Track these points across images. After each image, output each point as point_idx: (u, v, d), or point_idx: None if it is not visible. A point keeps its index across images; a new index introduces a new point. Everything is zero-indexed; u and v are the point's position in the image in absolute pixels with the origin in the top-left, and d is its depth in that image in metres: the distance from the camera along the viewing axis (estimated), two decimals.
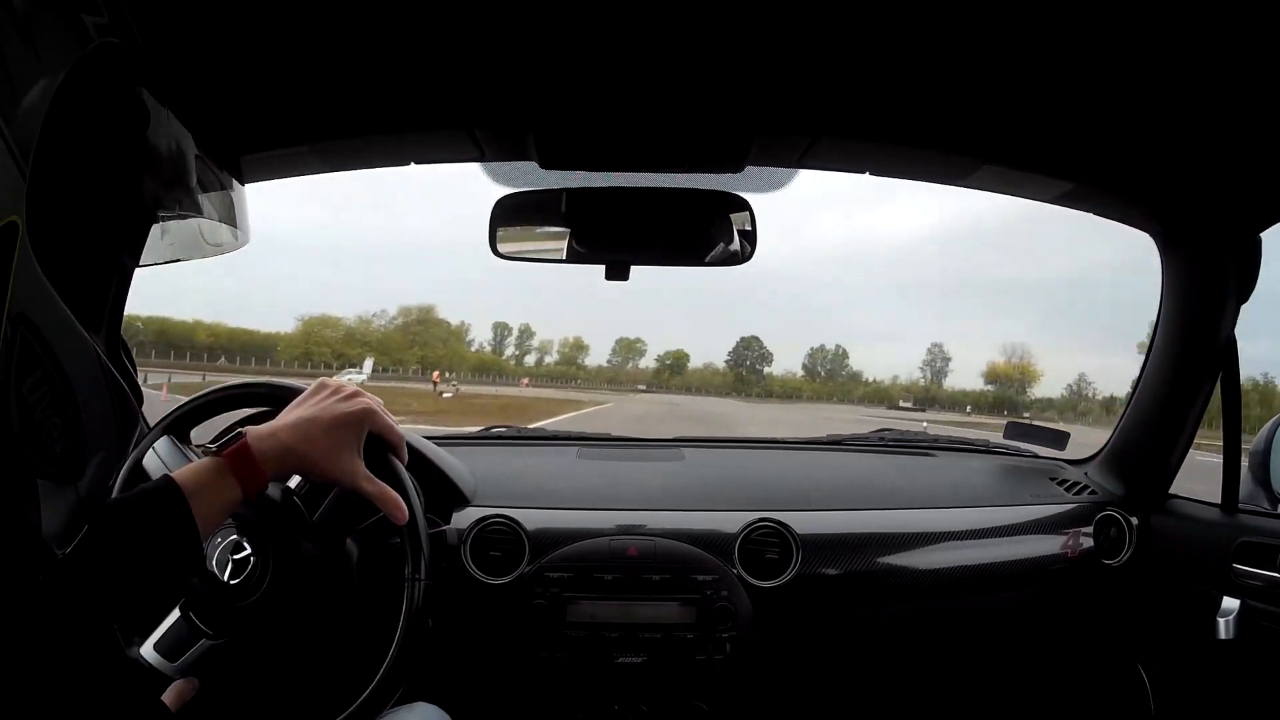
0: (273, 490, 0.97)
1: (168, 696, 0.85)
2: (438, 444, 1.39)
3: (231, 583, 0.92)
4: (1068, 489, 1.53)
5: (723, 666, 1.27)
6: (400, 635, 1.02)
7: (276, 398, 1.09)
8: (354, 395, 0.91)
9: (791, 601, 1.32)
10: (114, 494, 1.05)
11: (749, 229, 1.23)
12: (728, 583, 1.28)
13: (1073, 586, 1.44)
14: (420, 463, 1.27)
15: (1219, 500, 1.35)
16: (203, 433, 1.19)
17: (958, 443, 1.78)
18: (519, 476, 1.48)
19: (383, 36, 0.95)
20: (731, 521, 1.35)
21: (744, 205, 1.22)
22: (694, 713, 1.32)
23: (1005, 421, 1.78)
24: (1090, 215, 1.35)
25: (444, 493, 1.31)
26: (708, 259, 1.24)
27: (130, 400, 1.01)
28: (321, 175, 1.30)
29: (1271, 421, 1.62)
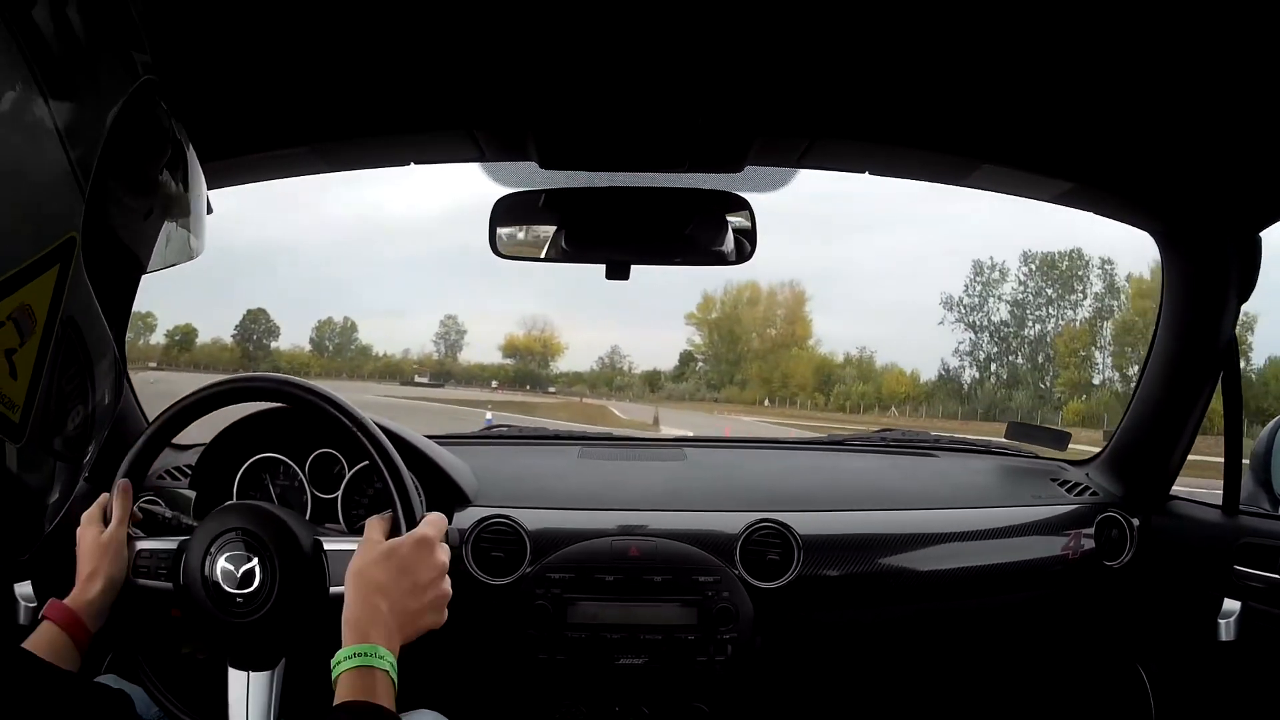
0: (275, 508, 0.98)
1: None
2: (439, 443, 1.39)
3: (237, 594, 0.91)
4: (1069, 490, 1.53)
5: (724, 668, 1.27)
6: None
7: (238, 392, 1.08)
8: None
9: (793, 602, 1.32)
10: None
11: (749, 228, 1.23)
12: (729, 584, 1.28)
13: (1074, 588, 1.44)
14: (421, 462, 1.27)
15: (1220, 502, 1.35)
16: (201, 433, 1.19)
17: (959, 443, 1.78)
18: (520, 476, 1.48)
19: (383, 37, 0.95)
20: (733, 522, 1.34)
21: (744, 205, 1.22)
22: (695, 714, 1.32)
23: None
24: None
25: (445, 492, 1.31)
26: (708, 258, 1.24)
27: (125, 387, 1.03)
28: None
29: (1273, 423, 1.62)
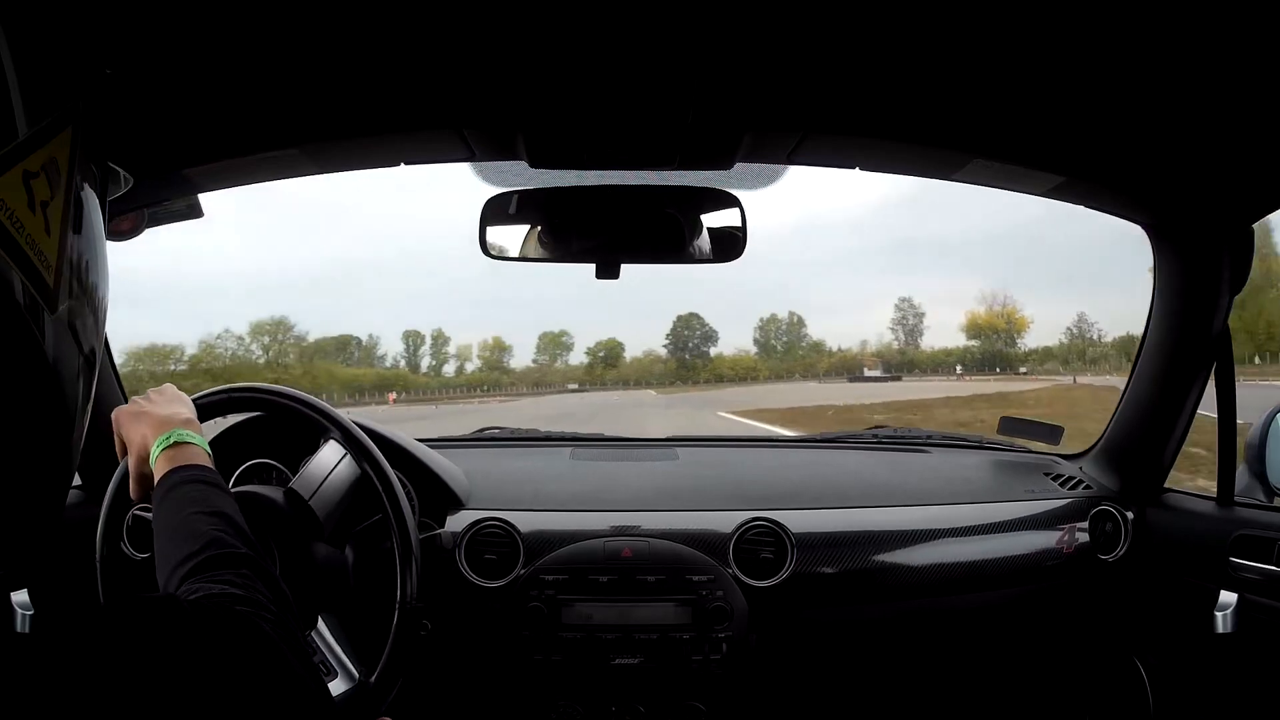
0: (275, 494, 0.99)
1: None
2: (430, 446, 1.39)
3: None
4: (1062, 484, 1.53)
5: (719, 667, 1.26)
6: (394, 634, 1.02)
7: (259, 401, 1.10)
8: None
9: (787, 601, 1.31)
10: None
11: (740, 225, 1.23)
12: (723, 583, 1.28)
13: (1069, 582, 1.44)
14: (413, 465, 1.27)
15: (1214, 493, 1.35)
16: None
17: (952, 439, 1.78)
18: (513, 479, 1.47)
19: (371, 37, 0.94)
20: (726, 521, 1.34)
21: (734, 202, 1.21)
22: (691, 713, 1.31)
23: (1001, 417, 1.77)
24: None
25: (438, 496, 1.31)
26: (699, 256, 1.24)
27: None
28: None
29: (1267, 414, 1.62)
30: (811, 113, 1.11)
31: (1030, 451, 1.69)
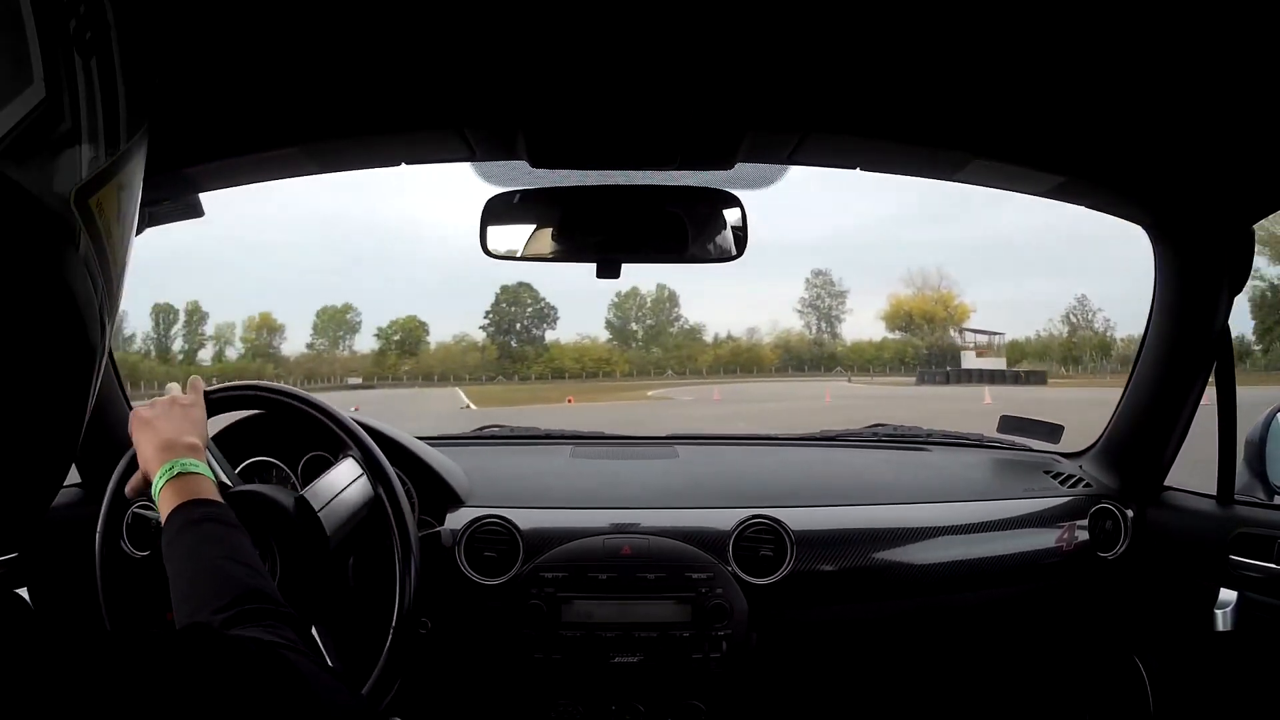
0: (285, 499, 0.99)
1: None
2: (430, 444, 1.39)
3: None
4: (1062, 482, 1.53)
5: (718, 665, 1.27)
6: (393, 633, 1.03)
7: (260, 399, 1.11)
8: None
9: (786, 598, 1.32)
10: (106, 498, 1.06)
11: (740, 225, 1.23)
12: (722, 580, 1.28)
13: (1069, 580, 1.44)
14: (413, 463, 1.27)
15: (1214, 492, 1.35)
16: None
17: (951, 437, 1.78)
18: (512, 476, 1.48)
19: (371, 36, 0.94)
20: (725, 519, 1.35)
21: (735, 202, 1.22)
22: (690, 712, 1.32)
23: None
24: None
25: (437, 493, 1.31)
26: (699, 255, 1.24)
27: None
28: None
29: (1267, 413, 1.62)
30: (812, 112, 1.11)
31: (1030, 450, 1.69)
